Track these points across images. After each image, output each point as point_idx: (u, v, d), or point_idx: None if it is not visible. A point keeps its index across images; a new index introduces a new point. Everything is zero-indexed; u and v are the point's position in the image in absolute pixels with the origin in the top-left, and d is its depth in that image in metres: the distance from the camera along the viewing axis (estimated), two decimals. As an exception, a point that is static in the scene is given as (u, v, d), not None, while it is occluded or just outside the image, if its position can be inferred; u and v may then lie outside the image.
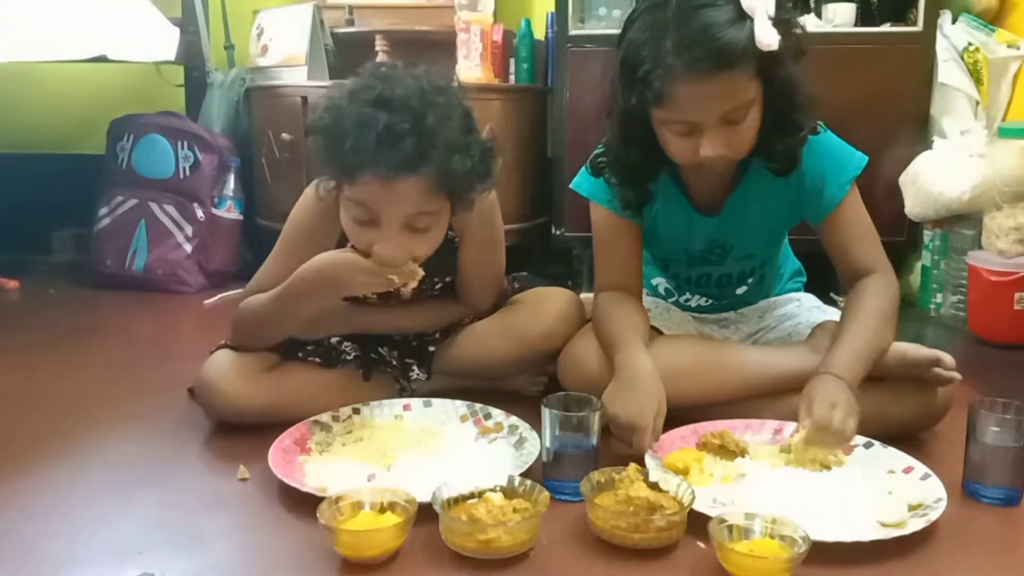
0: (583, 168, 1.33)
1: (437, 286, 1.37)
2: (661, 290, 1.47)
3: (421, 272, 1.16)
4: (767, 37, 1.07)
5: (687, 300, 1.46)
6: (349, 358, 1.32)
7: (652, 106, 1.12)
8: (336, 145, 1.07)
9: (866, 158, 1.26)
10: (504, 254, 1.40)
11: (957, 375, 1.18)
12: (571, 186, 1.34)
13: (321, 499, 0.92)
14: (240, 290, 2.19)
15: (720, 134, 1.12)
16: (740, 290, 1.42)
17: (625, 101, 1.15)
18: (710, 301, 1.45)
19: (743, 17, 1.07)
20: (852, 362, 1.13)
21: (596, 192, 1.30)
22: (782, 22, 1.09)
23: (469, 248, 1.33)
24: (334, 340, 1.34)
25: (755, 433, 1.18)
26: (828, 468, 1.08)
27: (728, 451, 1.11)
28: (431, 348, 1.36)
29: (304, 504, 0.98)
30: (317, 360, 1.31)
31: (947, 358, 1.18)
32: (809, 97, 1.17)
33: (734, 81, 1.09)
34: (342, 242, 1.23)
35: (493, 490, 0.97)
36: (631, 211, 1.28)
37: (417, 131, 1.06)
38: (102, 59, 2.23)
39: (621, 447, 1.11)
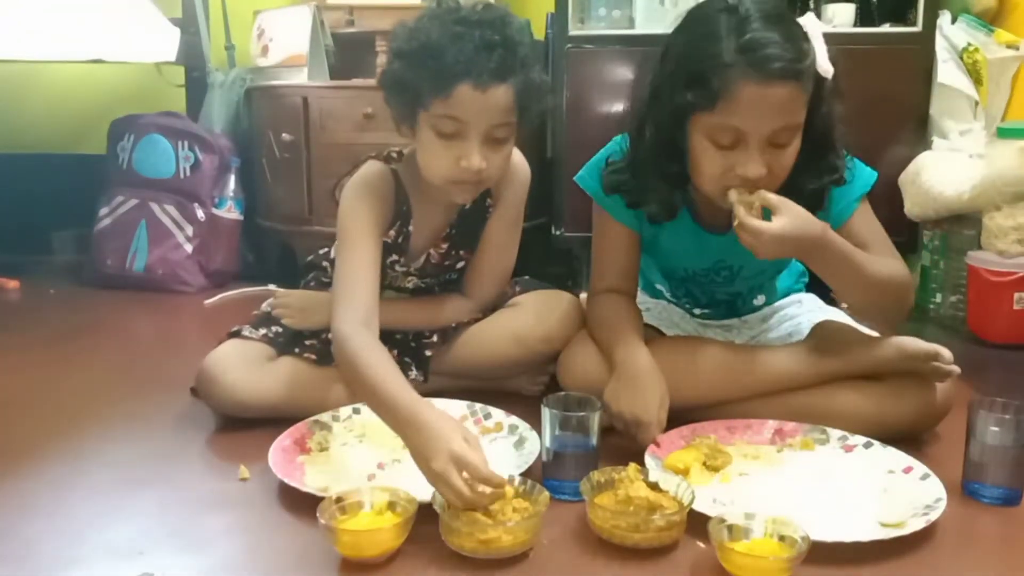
0: (589, 165, 1.32)
1: (458, 265, 1.40)
2: (667, 294, 1.47)
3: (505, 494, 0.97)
4: (826, 63, 1.09)
5: (688, 305, 1.46)
6: None
7: (702, 109, 1.09)
8: (433, 61, 1.14)
9: (875, 175, 1.24)
10: (516, 254, 1.42)
11: (956, 368, 1.18)
12: (575, 179, 1.33)
13: (321, 499, 0.92)
14: (240, 290, 2.24)
15: (763, 154, 1.09)
16: (758, 301, 1.42)
17: (672, 101, 1.12)
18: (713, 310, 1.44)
19: (808, 40, 1.09)
20: (837, 238, 1.11)
21: (601, 194, 1.29)
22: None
23: (495, 223, 1.37)
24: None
25: (755, 433, 1.18)
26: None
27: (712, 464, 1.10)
28: (428, 352, 1.36)
29: (304, 504, 0.98)
30: (313, 357, 1.31)
31: (945, 352, 1.18)
32: (842, 143, 1.16)
33: (795, 95, 1.07)
34: (398, 216, 1.31)
35: (493, 490, 0.96)
36: (653, 221, 1.26)
37: (504, 44, 1.15)
38: (102, 60, 2.23)
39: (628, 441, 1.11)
